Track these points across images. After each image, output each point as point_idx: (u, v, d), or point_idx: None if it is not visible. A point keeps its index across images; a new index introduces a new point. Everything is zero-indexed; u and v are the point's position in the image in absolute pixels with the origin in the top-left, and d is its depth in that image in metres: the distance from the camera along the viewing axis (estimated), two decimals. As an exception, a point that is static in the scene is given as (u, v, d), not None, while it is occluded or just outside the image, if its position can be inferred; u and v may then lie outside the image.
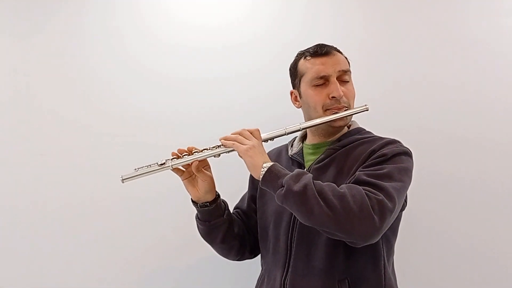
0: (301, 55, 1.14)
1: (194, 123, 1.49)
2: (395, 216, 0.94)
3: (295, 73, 1.15)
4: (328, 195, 0.87)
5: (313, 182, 0.90)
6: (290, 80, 1.19)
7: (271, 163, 0.97)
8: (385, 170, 0.94)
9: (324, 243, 0.99)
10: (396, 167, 0.95)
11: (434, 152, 1.43)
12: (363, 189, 0.89)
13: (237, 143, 1.01)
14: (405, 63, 1.47)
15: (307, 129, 1.17)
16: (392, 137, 1.06)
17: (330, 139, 1.11)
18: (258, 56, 1.51)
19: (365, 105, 1.09)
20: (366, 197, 0.87)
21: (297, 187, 0.89)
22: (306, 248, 1.01)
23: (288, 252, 1.04)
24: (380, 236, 0.90)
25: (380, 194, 0.88)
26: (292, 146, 1.20)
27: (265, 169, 0.95)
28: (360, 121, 1.19)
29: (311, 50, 1.11)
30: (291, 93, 1.19)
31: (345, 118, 1.08)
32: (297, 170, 0.95)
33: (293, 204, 0.90)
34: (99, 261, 1.45)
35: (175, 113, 1.50)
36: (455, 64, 1.45)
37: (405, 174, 0.97)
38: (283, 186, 0.91)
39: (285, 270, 1.03)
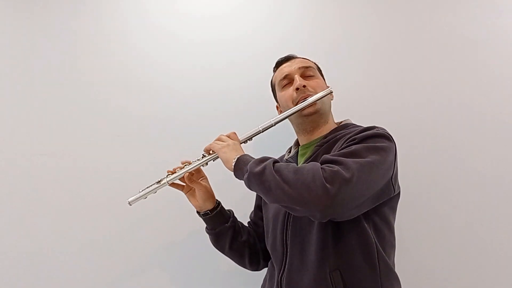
0: (273, 72, 1.28)
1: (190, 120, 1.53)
2: (361, 191, 0.91)
3: (272, 87, 1.28)
4: (284, 171, 0.92)
5: (273, 164, 0.96)
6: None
7: (241, 154, 1.05)
8: (350, 149, 0.95)
9: (315, 238, 1.01)
10: (364, 146, 0.95)
11: (431, 150, 1.42)
12: (322, 165, 0.91)
13: (213, 144, 1.12)
14: (401, 62, 1.50)
15: (295, 132, 1.25)
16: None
17: (317, 136, 1.16)
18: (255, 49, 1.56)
19: (329, 88, 1.14)
20: (321, 170, 0.89)
21: (257, 168, 0.95)
22: (299, 244, 1.04)
23: (284, 250, 1.07)
24: (341, 209, 0.89)
25: (336, 166, 0.89)
26: (289, 152, 1.27)
27: (235, 160, 1.03)
28: (356, 120, 1.22)
29: (276, 62, 1.26)
30: (277, 107, 1.30)
31: (314, 104, 1.13)
32: (262, 157, 1.01)
33: (255, 185, 0.95)
34: (99, 261, 1.46)
35: (174, 112, 1.55)
36: (454, 64, 1.46)
37: (374, 152, 0.94)
38: (248, 171, 0.98)
39: (282, 268, 1.06)
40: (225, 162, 1.07)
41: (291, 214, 1.07)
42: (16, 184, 1.52)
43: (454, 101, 1.43)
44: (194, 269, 1.46)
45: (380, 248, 0.99)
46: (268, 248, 1.16)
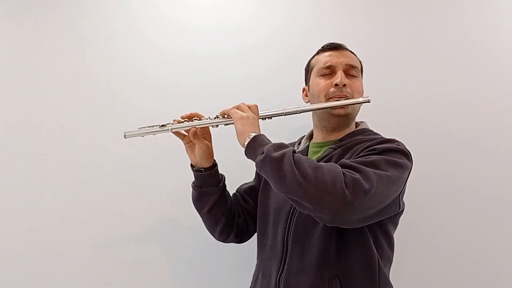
0: (315, 53, 1.19)
1: (196, 100, 1.49)
2: (374, 203, 0.90)
3: (307, 68, 1.20)
4: (304, 165, 0.87)
5: (293, 153, 0.91)
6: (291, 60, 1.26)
7: (258, 133, 1.00)
8: (371, 159, 0.93)
9: (317, 242, 0.99)
10: (384, 158, 0.93)
11: (434, 153, 1.40)
12: (343, 169, 0.88)
13: (233, 110, 1.06)
14: (408, 64, 1.46)
15: (313, 125, 1.19)
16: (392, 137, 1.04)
17: (333, 138, 1.12)
18: (264, 59, 1.52)
19: (367, 97, 1.09)
20: (342, 174, 0.86)
21: (276, 154, 0.90)
22: (300, 246, 1.02)
23: (285, 249, 1.04)
24: (351, 216, 0.87)
25: (357, 174, 0.87)
26: (299, 144, 1.23)
27: (251, 137, 0.98)
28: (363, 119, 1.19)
29: (323, 46, 1.17)
30: (303, 89, 1.23)
31: (345, 107, 1.08)
32: (280, 142, 0.96)
33: (269, 169, 0.90)
34: (100, 262, 1.45)
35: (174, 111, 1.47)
36: (456, 64, 1.44)
37: (393, 167, 0.93)
38: (264, 153, 0.93)
39: (281, 268, 1.03)
40: (239, 135, 1.01)
41: (296, 212, 1.03)
42: (16, 184, 1.49)
43: (454, 103, 1.43)
44: (182, 263, 1.46)
45: (380, 261, 0.99)
46: (263, 242, 1.13)
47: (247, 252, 1.27)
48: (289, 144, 1.23)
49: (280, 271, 1.03)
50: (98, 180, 1.48)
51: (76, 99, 1.53)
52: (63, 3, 1.57)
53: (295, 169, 0.87)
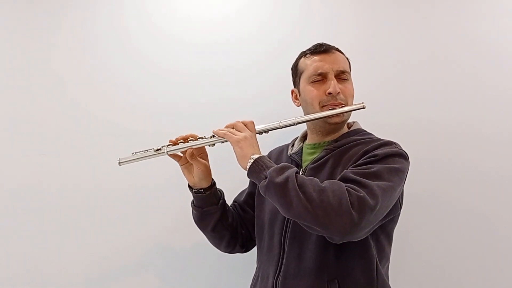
0: (302, 53, 1.16)
1: (193, 116, 1.49)
2: (379, 216, 0.92)
3: (295, 71, 1.17)
4: (308, 188, 0.88)
5: (296, 175, 0.91)
6: (288, 78, 1.21)
7: (259, 155, 0.98)
8: (373, 169, 0.93)
9: (314, 243, 0.99)
10: (385, 167, 0.94)
11: (431, 151, 1.42)
12: (346, 186, 0.88)
13: (229, 133, 1.03)
14: (398, 61, 1.47)
15: (307, 128, 1.19)
16: (388, 138, 1.05)
17: (328, 139, 1.12)
18: (257, 50, 1.52)
19: (362, 103, 1.08)
20: (347, 193, 0.86)
21: (279, 179, 0.90)
22: (298, 248, 1.02)
23: (281, 251, 1.04)
24: (359, 233, 0.89)
25: (362, 191, 0.87)
26: (293, 145, 1.22)
27: (252, 160, 0.97)
28: (356, 119, 1.19)
29: (311, 48, 1.14)
30: (292, 91, 1.21)
31: (341, 115, 1.08)
32: (282, 164, 0.95)
33: (274, 195, 0.90)
34: (99, 262, 1.45)
35: (173, 106, 1.51)
36: (456, 63, 1.45)
37: (395, 174, 0.95)
38: (267, 178, 0.92)
39: (278, 270, 1.04)
40: (240, 158, 1.00)
41: None
42: (16, 184, 1.48)
43: (452, 100, 1.44)
44: (181, 266, 1.46)
45: (378, 261, 1.01)
46: (260, 245, 1.13)
47: (247, 256, 1.28)
48: (282, 146, 1.26)
49: (277, 273, 1.03)
50: (98, 180, 1.47)
51: (76, 99, 1.52)
52: (61, 12, 1.57)
53: (300, 193, 0.87)
